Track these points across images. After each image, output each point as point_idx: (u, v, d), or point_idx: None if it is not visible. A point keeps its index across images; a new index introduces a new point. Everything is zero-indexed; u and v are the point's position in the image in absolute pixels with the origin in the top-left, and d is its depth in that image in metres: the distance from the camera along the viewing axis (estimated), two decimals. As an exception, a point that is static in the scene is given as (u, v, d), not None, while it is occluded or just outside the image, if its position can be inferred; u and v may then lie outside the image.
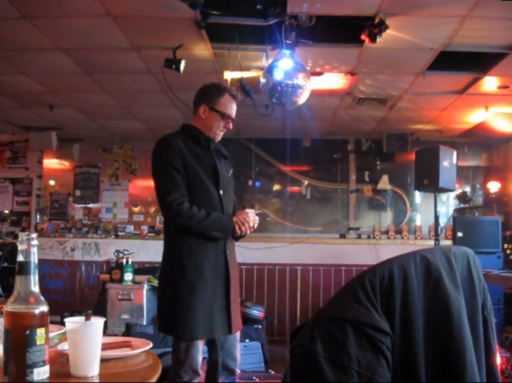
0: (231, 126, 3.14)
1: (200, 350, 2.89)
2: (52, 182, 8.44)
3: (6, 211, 8.40)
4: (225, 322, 2.95)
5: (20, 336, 1.26)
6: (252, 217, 3.04)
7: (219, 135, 3.11)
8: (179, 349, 2.84)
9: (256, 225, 3.08)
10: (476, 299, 1.59)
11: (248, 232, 3.03)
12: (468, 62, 4.99)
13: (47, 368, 1.29)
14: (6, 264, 7.01)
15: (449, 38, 4.36)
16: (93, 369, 1.54)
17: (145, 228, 8.14)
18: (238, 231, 2.98)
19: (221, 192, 3.01)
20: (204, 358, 3.05)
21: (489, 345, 1.60)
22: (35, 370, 1.26)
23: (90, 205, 8.33)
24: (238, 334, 3.10)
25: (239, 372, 3.14)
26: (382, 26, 3.94)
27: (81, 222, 8.30)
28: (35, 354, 1.26)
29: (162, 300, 2.96)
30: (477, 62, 4.96)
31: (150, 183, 8.59)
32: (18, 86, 5.86)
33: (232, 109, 3.10)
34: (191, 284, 2.84)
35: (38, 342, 1.27)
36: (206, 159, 3.00)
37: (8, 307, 1.28)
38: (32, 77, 5.59)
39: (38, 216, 8.36)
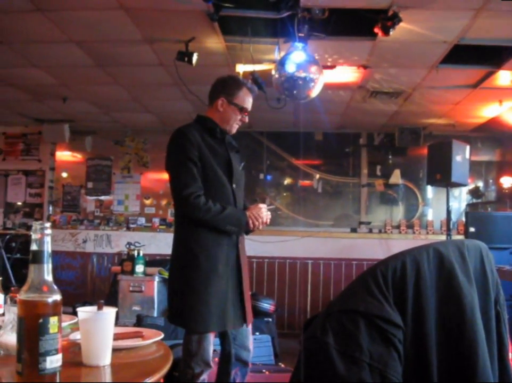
0: (247, 119, 3.13)
1: (211, 342, 2.89)
2: (64, 174, 8.48)
3: (19, 203, 8.46)
4: (238, 314, 2.95)
5: (33, 325, 1.26)
6: (264, 212, 3.04)
7: (235, 128, 3.12)
8: (191, 341, 2.84)
9: (268, 221, 3.08)
10: (488, 293, 1.59)
11: (260, 227, 3.03)
12: (482, 56, 4.95)
13: (59, 356, 1.30)
14: (18, 255, 7.06)
15: (463, 31, 4.33)
16: (105, 359, 1.55)
17: (156, 220, 8.16)
18: (252, 226, 2.98)
19: (234, 185, 3.01)
20: (214, 350, 3.06)
21: (501, 339, 1.59)
22: (48, 358, 1.27)
23: (102, 197, 8.36)
24: (250, 325, 3.11)
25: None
26: (395, 19, 3.92)
27: (93, 214, 8.34)
28: (48, 342, 1.26)
29: (175, 292, 2.94)
30: (491, 56, 4.92)
31: (162, 175, 8.63)
32: (31, 78, 5.88)
33: (249, 103, 3.11)
34: (205, 277, 2.84)
35: (51, 331, 1.27)
36: (220, 152, 2.99)
37: (22, 295, 1.28)
38: (45, 70, 5.61)
39: (51, 208, 8.41)
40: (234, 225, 2.92)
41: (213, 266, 2.87)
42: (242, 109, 3.07)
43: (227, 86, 3.07)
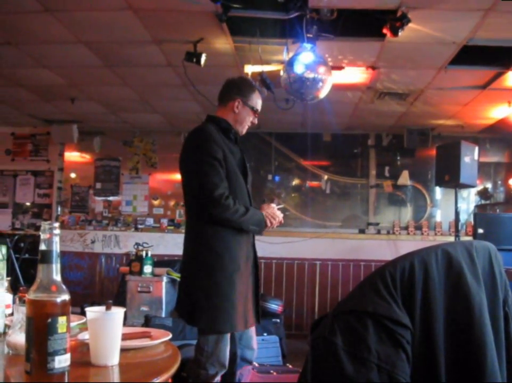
0: (256, 121, 3.16)
1: (228, 343, 2.88)
2: (73, 175, 8.51)
3: (28, 204, 8.50)
4: (254, 313, 2.97)
5: (42, 324, 1.27)
6: (277, 211, 3.08)
7: (245, 129, 3.15)
8: (208, 342, 2.82)
9: (282, 220, 3.10)
10: (497, 295, 1.58)
11: (274, 226, 3.06)
12: (491, 56, 4.92)
13: (68, 356, 1.30)
14: (27, 255, 7.08)
15: (472, 32, 4.31)
16: (113, 359, 1.56)
17: (164, 221, 8.17)
18: (269, 225, 3.00)
19: (248, 186, 3.04)
20: None
21: (510, 340, 1.58)
22: (57, 358, 1.27)
23: (110, 198, 8.38)
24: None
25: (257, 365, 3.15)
26: (404, 20, 3.91)
27: (101, 215, 8.36)
28: (56, 341, 1.27)
29: (195, 292, 2.87)
30: (500, 56, 4.90)
31: (170, 176, 8.60)
32: (39, 79, 5.91)
33: (260, 105, 3.16)
34: (230, 277, 2.85)
35: (59, 330, 1.28)
36: (236, 152, 3.02)
37: (31, 295, 1.29)
38: (54, 71, 5.63)
39: (59, 209, 8.44)
40: (256, 225, 2.96)
41: (236, 265, 2.88)
42: (256, 111, 3.11)
43: (242, 88, 3.10)
